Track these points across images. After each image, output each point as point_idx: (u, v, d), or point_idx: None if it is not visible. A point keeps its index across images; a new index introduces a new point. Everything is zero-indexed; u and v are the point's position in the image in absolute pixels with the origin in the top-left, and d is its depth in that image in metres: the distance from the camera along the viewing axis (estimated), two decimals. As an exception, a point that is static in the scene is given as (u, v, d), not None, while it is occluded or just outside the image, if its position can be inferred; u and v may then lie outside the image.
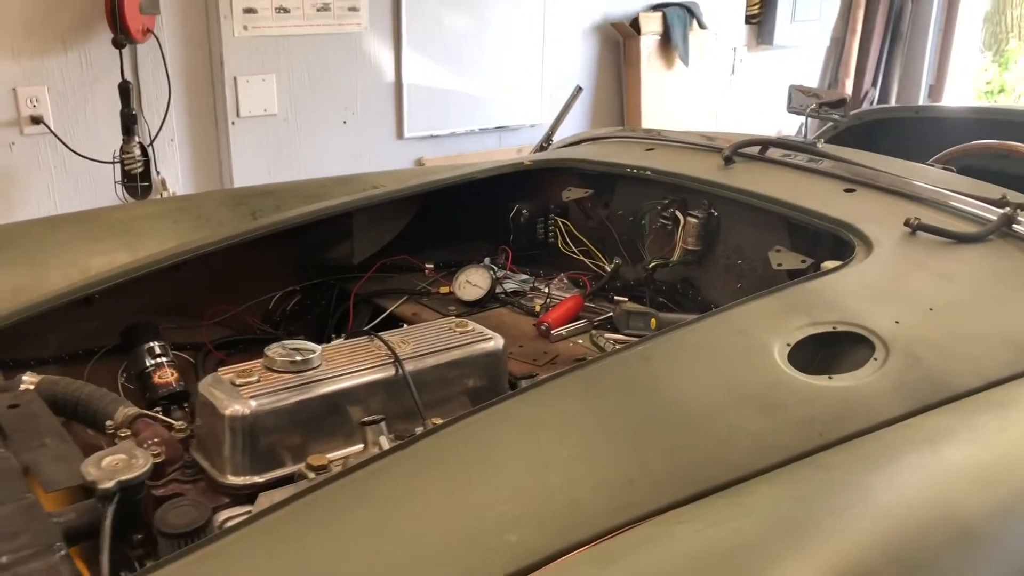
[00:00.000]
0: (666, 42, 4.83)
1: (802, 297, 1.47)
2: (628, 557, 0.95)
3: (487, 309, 2.08)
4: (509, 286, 2.16)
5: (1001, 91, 7.78)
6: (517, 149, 4.51)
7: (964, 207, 1.79)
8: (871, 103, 5.92)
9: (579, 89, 2.78)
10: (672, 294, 2.08)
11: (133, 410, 1.45)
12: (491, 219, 2.36)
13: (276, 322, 2.16)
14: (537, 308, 2.05)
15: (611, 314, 1.96)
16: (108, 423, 1.42)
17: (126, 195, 3.27)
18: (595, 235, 2.29)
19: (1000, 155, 2.67)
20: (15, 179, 3.25)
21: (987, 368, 1.35)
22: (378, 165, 3.96)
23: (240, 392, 1.36)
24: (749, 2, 5.32)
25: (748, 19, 5.36)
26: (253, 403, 1.35)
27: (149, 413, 1.47)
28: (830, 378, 1.29)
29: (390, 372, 1.48)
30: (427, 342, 1.57)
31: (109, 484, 1.14)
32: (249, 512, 1.30)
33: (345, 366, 1.46)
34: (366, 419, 1.35)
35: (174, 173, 3.56)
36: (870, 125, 3.24)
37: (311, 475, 1.34)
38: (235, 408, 1.34)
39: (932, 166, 2.19)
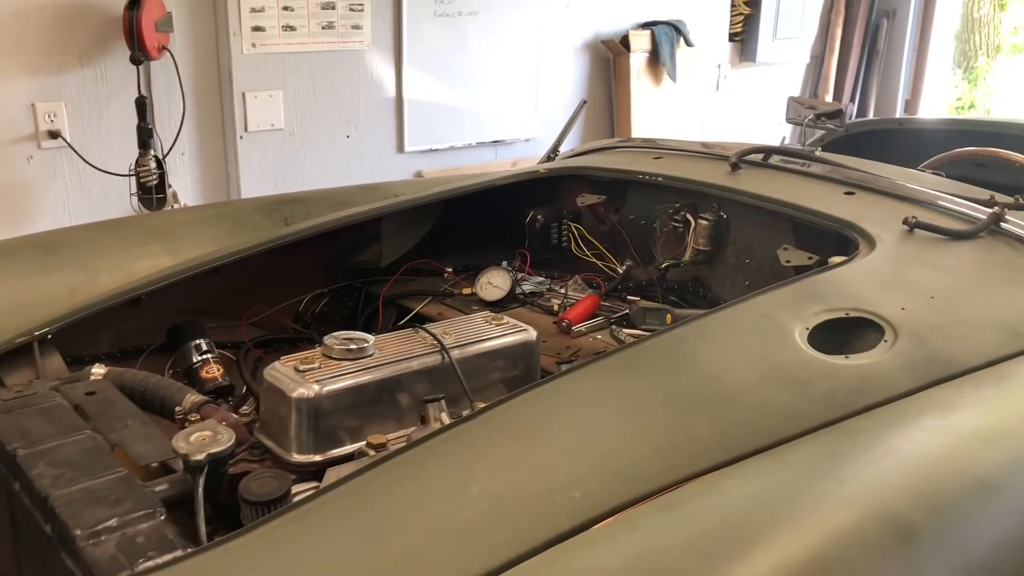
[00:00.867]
0: (654, 59, 5.00)
1: (816, 287, 1.61)
2: (686, 505, 1.07)
3: (508, 309, 2.19)
4: (527, 287, 2.28)
5: (971, 107, 8.05)
6: (512, 162, 4.65)
7: (955, 207, 1.94)
8: (849, 118, 6.12)
9: (584, 103, 2.92)
10: (683, 292, 2.22)
11: (199, 397, 1.56)
12: (507, 225, 2.49)
13: (307, 322, 2.26)
14: (555, 307, 2.17)
15: (627, 311, 2.09)
16: (177, 409, 1.53)
17: (141, 207, 3.37)
18: (606, 239, 2.42)
19: (978, 163, 2.84)
20: (32, 191, 3.33)
21: (985, 348, 1.49)
22: (379, 177, 4.06)
23: (304, 377, 1.47)
24: (733, 20, 5.51)
25: (732, 37, 5.55)
26: (316, 386, 1.46)
27: (213, 400, 1.58)
28: (846, 357, 1.43)
29: (437, 360, 1.59)
30: (468, 333, 1.68)
31: (200, 456, 1.25)
32: (316, 487, 1.41)
33: (396, 354, 1.58)
34: (429, 397, 1.46)
35: (185, 185, 3.66)
36: (856, 136, 3.41)
37: (371, 452, 1.45)
38: (301, 391, 1.45)
39: (923, 171, 2.35)
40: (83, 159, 3.35)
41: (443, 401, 1.46)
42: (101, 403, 1.47)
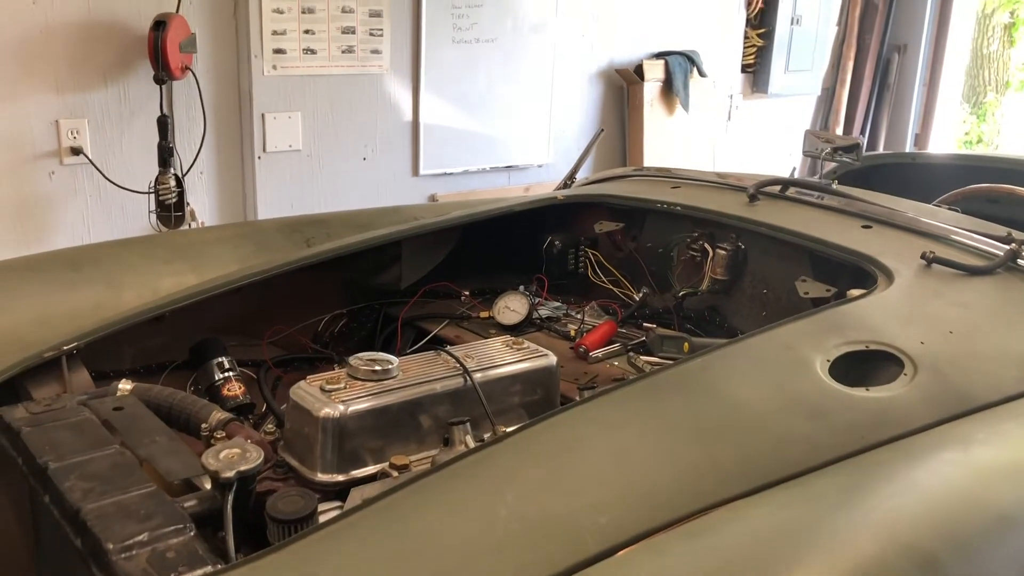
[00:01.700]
0: (668, 88, 5.05)
1: (836, 320, 1.63)
2: (711, 533, 1.09)
3: (524, 333, 2.21)
4: (543, 312, 2.30)
5: (979, 141, 8.10)
6: (525, 187, 4.69)
7: (972, 243, 1.96)
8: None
9: (601, 131, 2.95)
10: (700, 321, 2.24)
11: (225, 414, 1.57)
12: (523, 250, 2.51)
13: (326, 342, 2.28)
14: (572, 332, 2.19)
15: (644, 338, 2.10)
16: (203, 426, 1.54)
17: (159, 224, 3.40)
18: (623, 266, 2.45)
19: (991, 199, 2.87)
20: (53, 206, 3.37)
21: (1004, 384, 1.51)
22: (394, 200, 4.11)
23: (330, 397, 1.49)
24: (745, 52, 5.56)
25: (744, 68, 5.60)
26: (342, 406, 1.48)
27: (238, 418, 1.60)
28: (867, 390, 1.44)
29: (460, 383, 1.61)
30: (489, 357, 1.70)
31: (230, 473, 1.26)
32: (340, 507, 1.43)
33: (419, 376, 1.60)
34: (454, 420, 1.48)
35: (202, 204, 3.70)
36: (868, 169, 3.43)
37: (394, 473, 1.46)
38: (327, 411, 1.47)
39: (939, 206, 2.37)
40: (104, 176, 3.39)
41: (468, 424, 1.47)
42: (129, 418, 1.49)
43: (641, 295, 2.32)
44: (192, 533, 1.19)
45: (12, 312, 1.86)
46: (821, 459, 1.26)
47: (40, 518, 1.39)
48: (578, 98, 4.85)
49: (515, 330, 2.21)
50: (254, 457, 1.30)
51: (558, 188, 2.99)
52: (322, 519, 1.31)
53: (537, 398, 1.72)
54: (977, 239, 1.96)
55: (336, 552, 1.14)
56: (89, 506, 1.22)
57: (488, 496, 1.19)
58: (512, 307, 2.27)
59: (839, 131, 6.16)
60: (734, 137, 5.62)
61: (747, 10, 5.49)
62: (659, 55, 5.05)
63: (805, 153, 2.45)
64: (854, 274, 1.93)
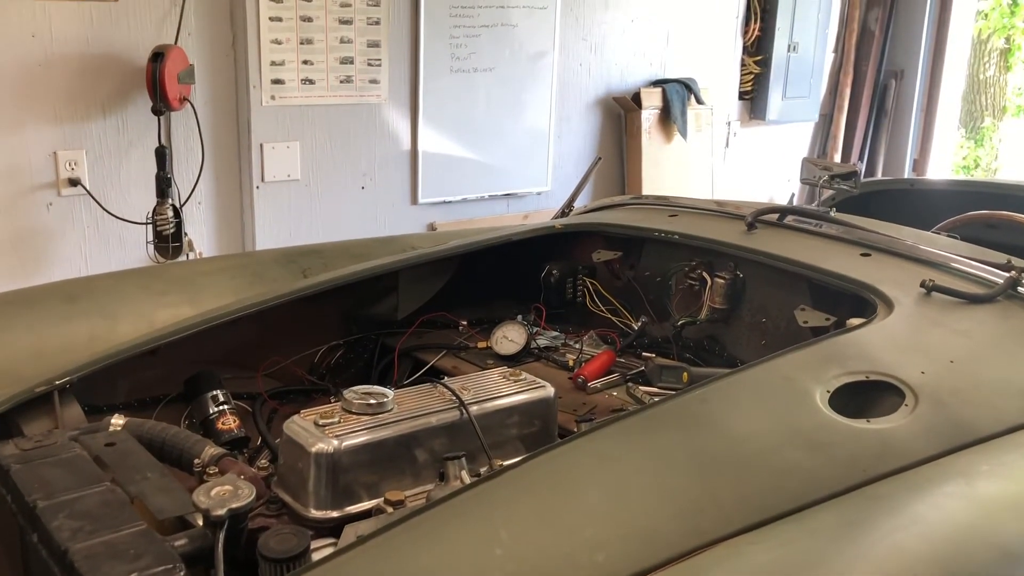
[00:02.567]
0: (665, 116, 5.06)
1: (836, 350, 1.61)
2: (710, 572, 1.06)
3: (522, 363, 2.19)
4: (541, 342, 2.29)
5: (976, 166, 8.12)
6: (524, 215, 4.69)
7: (972, 271, 1.95)
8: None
9: (599, 160, 2.95)
10: (699, 350, 2.22)
11: (218, 450, 1.55)
12: (521, 279, 2.50)
13: (322, 374, 2.26)
14: (570, 362, 2.17)
15: (643, 368, 2.09)
16: (196, 461, 1.53)
17: (157, 255, 3.39)
18: (621, 295, 2.43)
19: (990, 224, 2.86)
20: (50, 237, 3.37)
21: (1006, 415, 1.49)
22: (393, 229, 4.11)
23: (324, 431, 1.47)
24: (743, 79, 5.59)
25: (742, 95, 5.63)
26: (336, 441, 1.46)
27: (231, 453, 1.58)
28: (868, 421, 1.42)
29: (456, 415, 1.59)
30: (486, 389, 1.69)
31: (221, 511, 1.25)
32: (334, 544, 1.40)
33: (415, 409, 1.58)
34: (449, 455, 1.46)
35: (200, 234, 3.69)
36: (867, 196, 3.43)
37: (389, 509, 1.44)
38: (320, 446, 1.45)
39: (938, 233, 2.36)
40: (102, 207, 3.39)
41: (463, 459, 1.45)
42: (120, 454, 1.47)
43: (640, 324, 2.31)
44: (182, 573, 1.17)
45: (6, 346, 1.85)
46: (822, 493, 1.24)
47: (29, 558, 1.37)
48: (576, 126, 4.87)
49: (513, 360, 2.20)
50: (246, 494, 1.28)
51: (556, 216, 2.98)
52: (315, 556, 1.29)
53: (535, 430, 1.70)
54: (977, 267, 1.95)
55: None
56: (77, 546, 1.20)
57: (484, 534, 1.17)
58: (510, 337, 2.25)
59: (837, 157, 6.17)
60: (732, 164, 5.63)
61: (744, 37, 5.53)
62: (656, 83, 5.07)
63: (803, 181, 2.45)
64: (854, 303, 1.91)
